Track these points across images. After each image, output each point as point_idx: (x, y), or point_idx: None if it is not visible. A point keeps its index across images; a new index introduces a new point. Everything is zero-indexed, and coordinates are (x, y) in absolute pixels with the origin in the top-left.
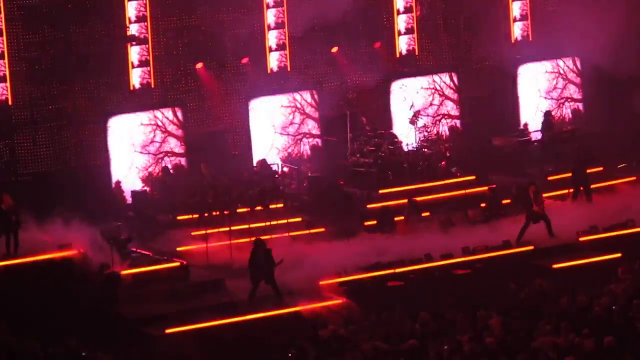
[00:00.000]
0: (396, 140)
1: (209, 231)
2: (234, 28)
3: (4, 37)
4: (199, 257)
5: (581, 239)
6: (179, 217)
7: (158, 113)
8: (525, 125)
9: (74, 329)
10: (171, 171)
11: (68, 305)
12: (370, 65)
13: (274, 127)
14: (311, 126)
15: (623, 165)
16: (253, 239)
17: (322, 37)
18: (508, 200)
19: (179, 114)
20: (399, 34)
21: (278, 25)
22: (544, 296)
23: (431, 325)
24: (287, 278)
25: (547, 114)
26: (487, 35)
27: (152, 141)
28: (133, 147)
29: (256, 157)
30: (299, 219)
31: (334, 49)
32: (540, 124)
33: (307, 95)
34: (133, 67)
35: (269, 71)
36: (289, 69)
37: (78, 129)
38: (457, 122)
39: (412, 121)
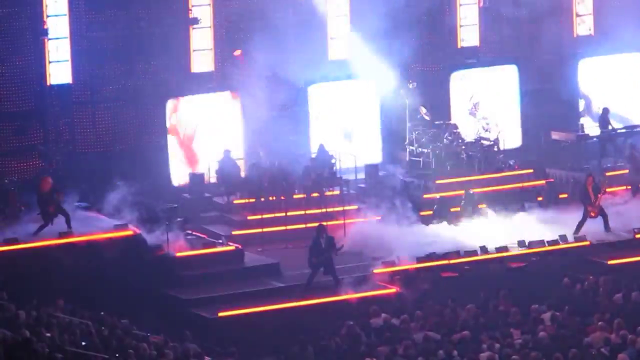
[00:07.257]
0: (455, 131)
1: (264, 216)
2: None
3: (67, 17)
4: (254, 242)
5: (638, 235)
6: (235, 201)
7: (218, 97)
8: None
9: (127, 308)
10: (231, 155)
11: (122, 285)
12: (432, 56)
13: (332, 114)
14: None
15: None
16: (312, 225)
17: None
18: (565, 195)
19: (238, 99)
20: (461, 25)
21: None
22: (598, 292)
23: (483, 317)
24: (341, 266)
25: (605, 111)
26: (549, 29)
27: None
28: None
29: (314, 143)
30: (354, 207)
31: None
32: (597, 119)
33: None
34: (194, 50)
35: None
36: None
37: (137, 109)
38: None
39: (472, 112)
